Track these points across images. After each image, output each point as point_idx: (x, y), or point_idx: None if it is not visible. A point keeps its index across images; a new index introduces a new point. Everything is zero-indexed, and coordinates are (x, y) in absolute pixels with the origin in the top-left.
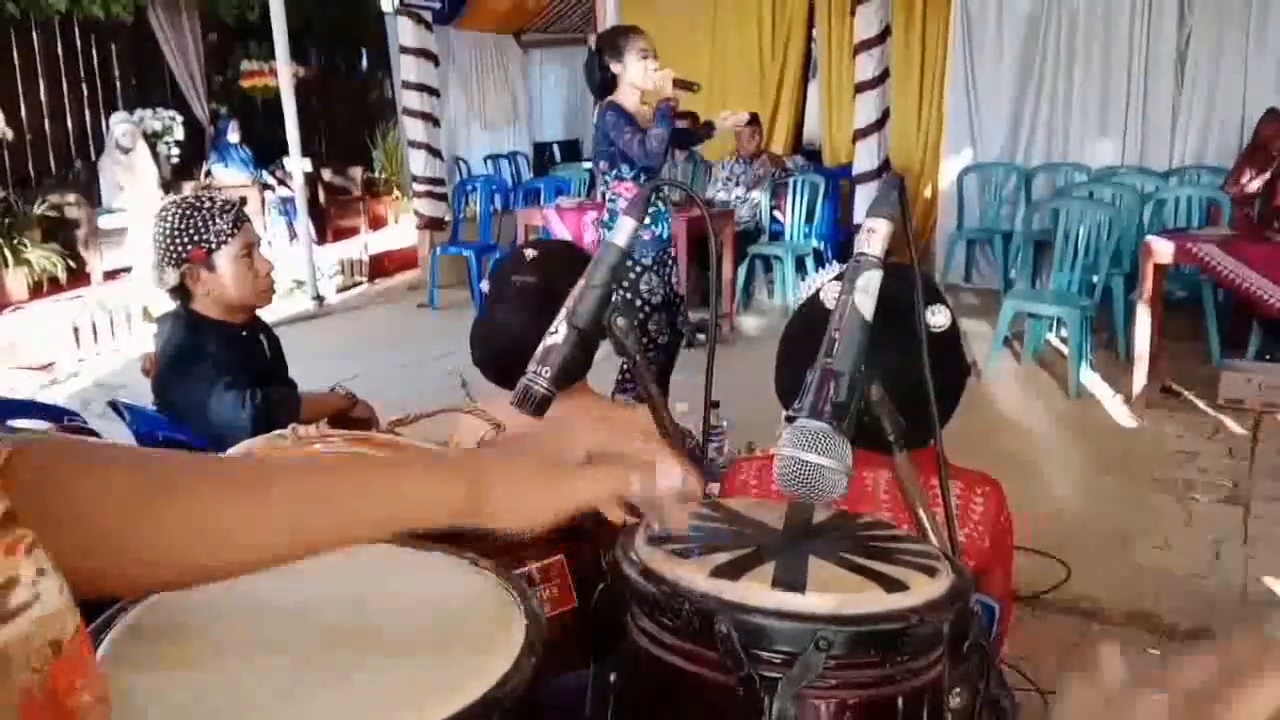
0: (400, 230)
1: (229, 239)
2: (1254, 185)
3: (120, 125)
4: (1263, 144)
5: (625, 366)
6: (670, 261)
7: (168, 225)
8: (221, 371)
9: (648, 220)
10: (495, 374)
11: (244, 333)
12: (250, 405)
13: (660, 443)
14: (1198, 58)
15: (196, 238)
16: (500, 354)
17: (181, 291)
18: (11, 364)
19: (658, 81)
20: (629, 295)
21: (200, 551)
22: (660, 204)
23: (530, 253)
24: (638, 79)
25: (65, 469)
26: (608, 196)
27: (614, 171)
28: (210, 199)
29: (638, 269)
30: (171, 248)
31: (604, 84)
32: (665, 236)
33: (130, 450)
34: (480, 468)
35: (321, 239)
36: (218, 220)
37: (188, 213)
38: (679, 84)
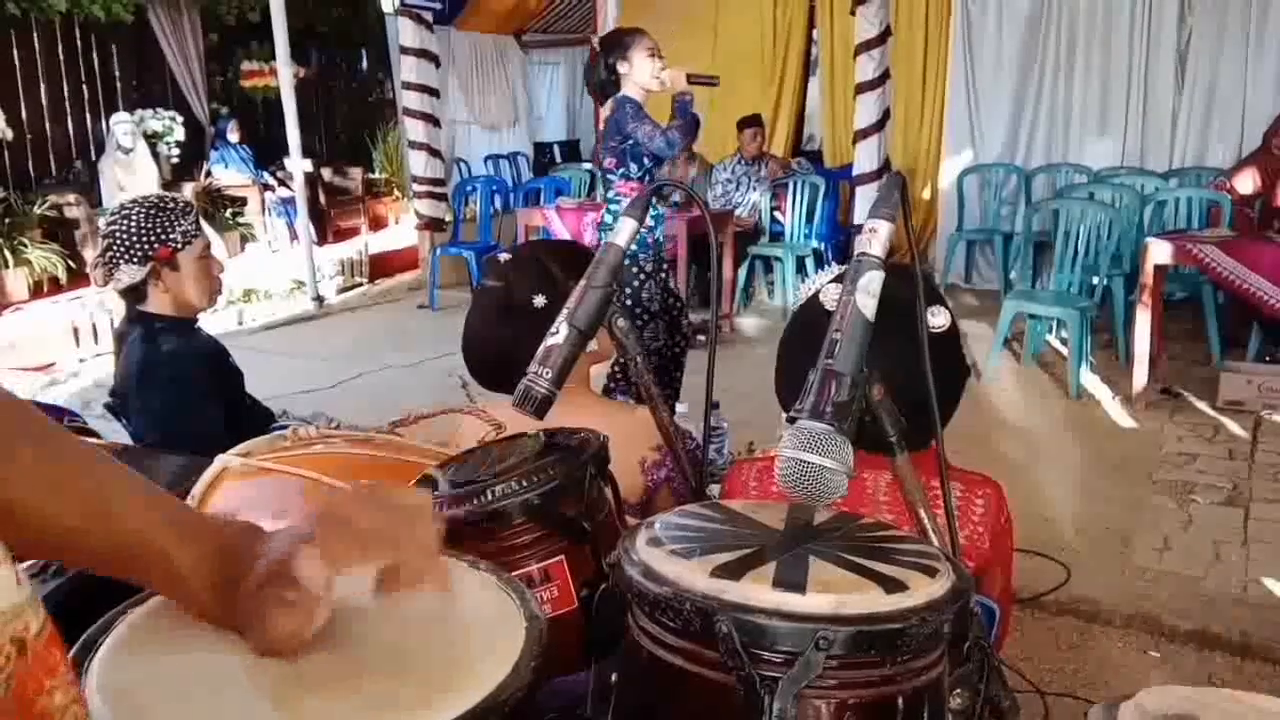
0: (400, 231)
1: (193, 239)
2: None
3: (120, 125)
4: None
5: (616, 371)
6: (666, 266)
7: (133, 223)
8: (194, 363)
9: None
10: (477, 377)
11: (195, 325)
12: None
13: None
14: (1198, 58)
15: (164, 236)
16: (479, 358)
17: (134, 292)
18: (11, 364)
19: (668, 80)
20: (629, 303)
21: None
22: (657, 206)
23: (503, 257)
24: (645, 79)
25: None
26: (609, 197)
27: (621, 171)
28: (172, 199)
29: (641, 276)
30: (136, 245)
31: (607, 85)
32: (661, 240)
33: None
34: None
35: (322, 239)
36: (182, 220)
37: (153, 212)
38: (697, 79)
